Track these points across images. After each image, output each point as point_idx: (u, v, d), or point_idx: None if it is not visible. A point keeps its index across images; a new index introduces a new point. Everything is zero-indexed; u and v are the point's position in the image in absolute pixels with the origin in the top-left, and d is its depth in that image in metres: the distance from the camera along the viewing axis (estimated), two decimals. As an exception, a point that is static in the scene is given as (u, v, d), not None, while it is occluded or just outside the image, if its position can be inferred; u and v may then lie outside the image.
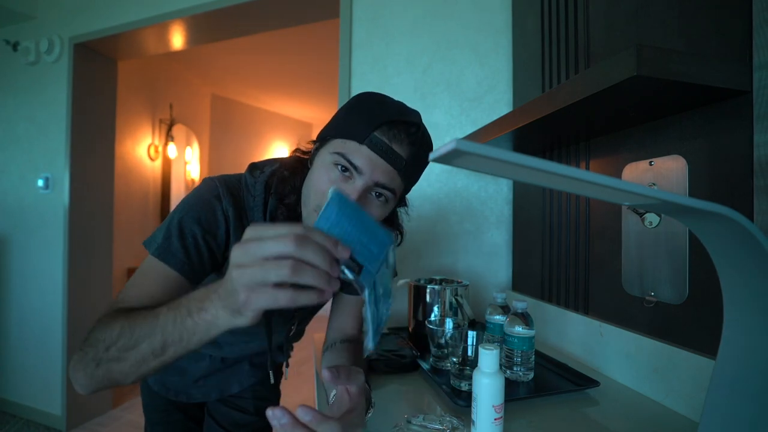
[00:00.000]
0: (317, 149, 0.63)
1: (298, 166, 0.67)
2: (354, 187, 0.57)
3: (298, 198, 0.66)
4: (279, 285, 0.35)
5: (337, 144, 0.58)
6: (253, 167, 0.69)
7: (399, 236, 0.73)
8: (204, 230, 0.60)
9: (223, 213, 0.62)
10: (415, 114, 0.60)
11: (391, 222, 0.71)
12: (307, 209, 0.61)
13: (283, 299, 0.35)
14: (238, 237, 0.62)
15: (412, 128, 0.58)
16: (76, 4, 2.15)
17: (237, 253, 0.36)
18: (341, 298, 0.84)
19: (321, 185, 0.58)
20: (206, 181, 0.65)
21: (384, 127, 0.56)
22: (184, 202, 0.62)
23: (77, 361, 0.47)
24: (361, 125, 0.56)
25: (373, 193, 0.59)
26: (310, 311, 0.82)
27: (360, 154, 0.56)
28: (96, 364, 0.45)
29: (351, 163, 0.56)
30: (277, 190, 0.65)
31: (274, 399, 0.98)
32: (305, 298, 0.36)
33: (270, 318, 0.71)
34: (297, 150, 0.69)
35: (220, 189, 0.63)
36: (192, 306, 0.41)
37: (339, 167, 0.57)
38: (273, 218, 0.65)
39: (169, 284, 0.57)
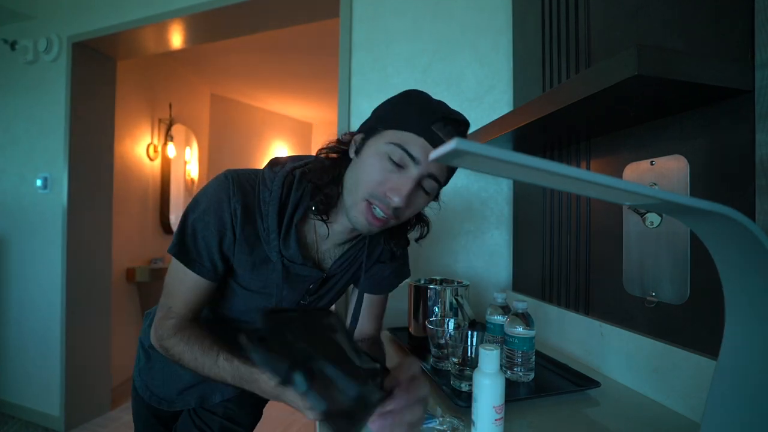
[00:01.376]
0: (364, 139, 0.64)
1: (336, 159, 0.68)
2: (408, 176, 0.60)
3: (337, 188, 0.67)
4: None
5: (392, 135, 0.60)
6: (275, 162, 0.71)
7: (425, 227, 0.77)
8: (214, 230, 0.64)
9: (231, 211, 0.65)
10: (461, 114, 0.64)
11: (419, 215, 0.75)
12: (354, 197, 0.63)
13: None
14: (245, 232, 0.66)
15: (462, 127, 0.62)
16: (74, 3, 2.15)
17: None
18: (356, 296, 0.82)
19: (374, 174, 0.61)
20: (219, 177, 0.67)
21: (439, 123, 0.60)
22: (197, 201, 0.66)
23: (158, 330, 0.67)
24: (416, 118, 0.60)
25: (422, 185, 0.62)
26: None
27: (418, 145, 0.59)
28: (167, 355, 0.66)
29: (409, 154, 0.59)
30: (314, 179, 0.66)
31: (253, 404, 0.94)
32: None
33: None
34: (323, 149, 0.69)
35: (231, 187, 0.65)
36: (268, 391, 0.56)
37: (391, 161, 0.60)
38: (295, 209, 0.67)
39: (195, 286, 0.66)
